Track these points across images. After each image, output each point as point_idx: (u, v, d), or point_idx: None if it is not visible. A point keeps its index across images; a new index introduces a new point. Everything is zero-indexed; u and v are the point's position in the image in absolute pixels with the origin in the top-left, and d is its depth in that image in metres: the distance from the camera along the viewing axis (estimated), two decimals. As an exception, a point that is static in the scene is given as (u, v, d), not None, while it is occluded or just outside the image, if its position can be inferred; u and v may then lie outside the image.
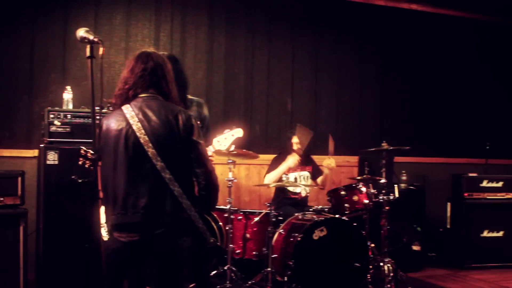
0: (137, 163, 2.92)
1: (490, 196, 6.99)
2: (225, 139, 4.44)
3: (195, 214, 2.95)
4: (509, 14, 8.51)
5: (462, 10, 8.35)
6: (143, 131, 2.92)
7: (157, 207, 2.90)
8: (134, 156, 2.92)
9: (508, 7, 8.22)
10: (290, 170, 6.11)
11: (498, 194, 7.03)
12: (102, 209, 3.86)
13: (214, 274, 5.39)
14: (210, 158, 3.16)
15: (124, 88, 3.07)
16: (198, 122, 3.12)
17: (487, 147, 7.69)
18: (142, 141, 2.90)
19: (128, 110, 2.99)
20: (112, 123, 3.00)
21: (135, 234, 2.92)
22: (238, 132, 4.56)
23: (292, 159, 6.06)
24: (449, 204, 7.25)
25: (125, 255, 2.97)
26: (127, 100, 3.05)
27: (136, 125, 2.93)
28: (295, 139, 6.19)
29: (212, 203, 3.14)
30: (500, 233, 6.99)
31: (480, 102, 8.51)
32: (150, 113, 2.96)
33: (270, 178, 6.05)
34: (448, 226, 7.24)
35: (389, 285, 5.34)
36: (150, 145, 2.90)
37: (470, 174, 7.17)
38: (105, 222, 3.07)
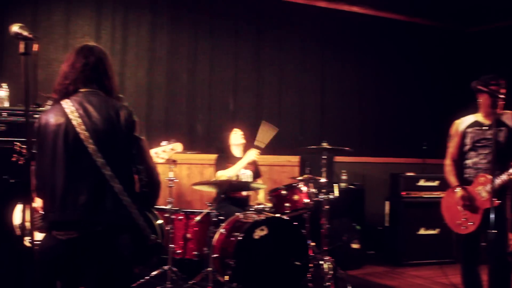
0: (76, 159, 2.85)
1: (427, 194, 7.17)
2: (163, 152, 4.38)
3: (136, 211, 2.91)
4: (447, 19, 8.76)
5: (403, 14, 8.55)
6: (83, 126, 2.85)
7: (97, 204, 2.84)
8: (74, 152, 2.85)
9: (446, 13, 8.46)
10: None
11: (434, 193, 7.20)
12: (18, 208, 3.78)
13: (154, 274, 5.35)
14: (152, 155, 3.12)
15: (64, 83, 2.98)
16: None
17: (424, 147, 7.89)
18: (82, 136, 2.83)
19: (68, 105, 2.91)
20: (51, 118, 2.91)
21: (73, 231, 2.84)
22: (177, 147, 4.53)
23: (253, 153, 6.08)
24: (387, 203, 7.40)
25: (62, 253, 2.88)
26: (67, 95, 2.96)
27: (76, 121, 2.86)
28: (234, 137, 6.21)
29: (154, 200, 3.10)
30: (436, 231, 7.18)
31: (419, 103, 8.73)
32: (90, 109, 2.90)
33: (228, 175, 6.00)
34: (387, 224, 7.39)
35: (328, 283, 5.40)
36: (91, 141, 2.83)
37: (408, 174, 7.34)
38: (42, 219, 3.00)
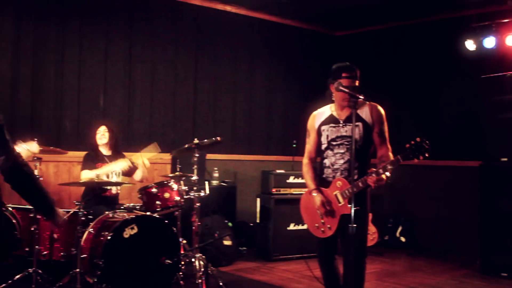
0: None
1: (296, 191, 7.38)
2: None
3: None
4: (317, 22, 9.09)
5: (275, 15, 8.75)
6: None
7: None
8: None
9: (316, 16, 8.77)
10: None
11: (304, 189, 7.41)
12: None
13: (18, 278, 5.10)
14: None
15: None
16: None
17: (294, 145, 8.12)
18: None
19: None
20: None
21: None
22: (33, 147, 4.34)
23: (124, 164, 5.94)
24: (258, 200, 7.54)
25: None
26: None
27: None
28: (98, 135, 6.06)
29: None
30: (305, 226, 7.39)
31: (290, 103, 8.99)
32: None
33: (91, 176, 5.81)
34: (258, 221, 7.53)
35: (200, 280, 5.42)
36: None
37: (278, 171, 7.53)
38: None
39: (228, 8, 8.30)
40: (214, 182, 7.66)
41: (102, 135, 6.07)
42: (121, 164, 5.95)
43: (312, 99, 8.87)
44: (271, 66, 8.83)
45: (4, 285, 5.04)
